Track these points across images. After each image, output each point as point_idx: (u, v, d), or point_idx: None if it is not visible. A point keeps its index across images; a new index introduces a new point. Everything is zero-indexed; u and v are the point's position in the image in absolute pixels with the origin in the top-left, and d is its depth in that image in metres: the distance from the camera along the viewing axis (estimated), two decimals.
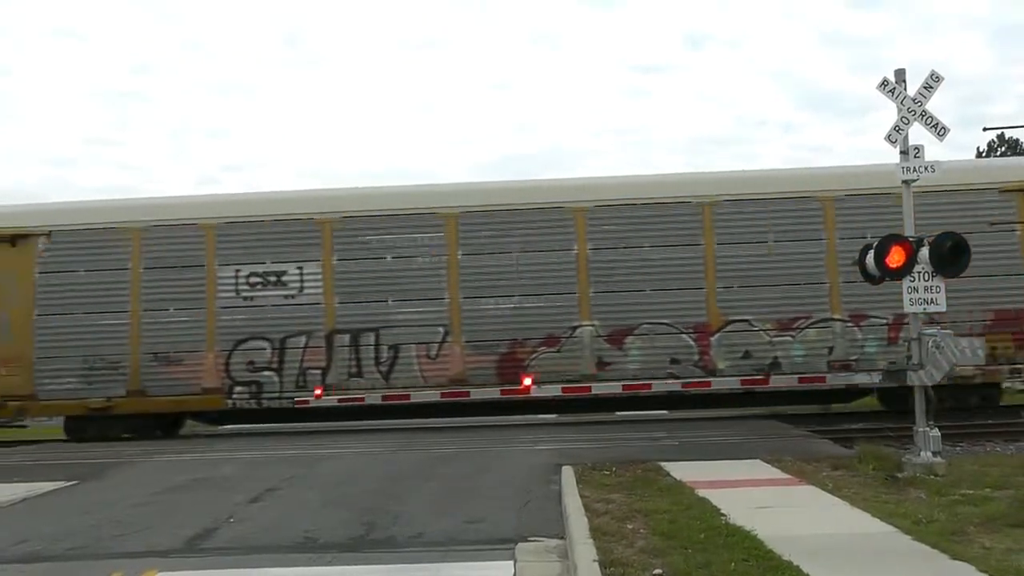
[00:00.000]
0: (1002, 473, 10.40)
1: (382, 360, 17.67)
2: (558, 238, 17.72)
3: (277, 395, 17.73)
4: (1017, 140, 43.48)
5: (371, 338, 17.69)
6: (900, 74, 11.35)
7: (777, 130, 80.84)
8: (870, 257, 11.43)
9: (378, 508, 9.75)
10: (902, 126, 11.28)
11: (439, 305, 17.69)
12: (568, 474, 10.90)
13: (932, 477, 10.19)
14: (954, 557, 6.58)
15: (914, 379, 10.96)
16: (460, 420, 18.83)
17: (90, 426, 18.07)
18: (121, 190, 75.77)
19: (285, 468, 12.93)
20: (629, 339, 17.44)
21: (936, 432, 10.77)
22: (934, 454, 10.68)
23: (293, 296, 17.90)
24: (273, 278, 17.93)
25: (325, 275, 17.85)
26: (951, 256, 10.96)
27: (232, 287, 17.99)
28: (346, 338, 17.74)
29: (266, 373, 17.82)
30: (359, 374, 17.66)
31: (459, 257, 17.75)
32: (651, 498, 9.34)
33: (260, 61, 78.82)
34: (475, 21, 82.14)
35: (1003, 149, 43.41)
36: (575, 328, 17.52)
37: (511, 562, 7.36)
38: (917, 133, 11.35)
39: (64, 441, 18.57)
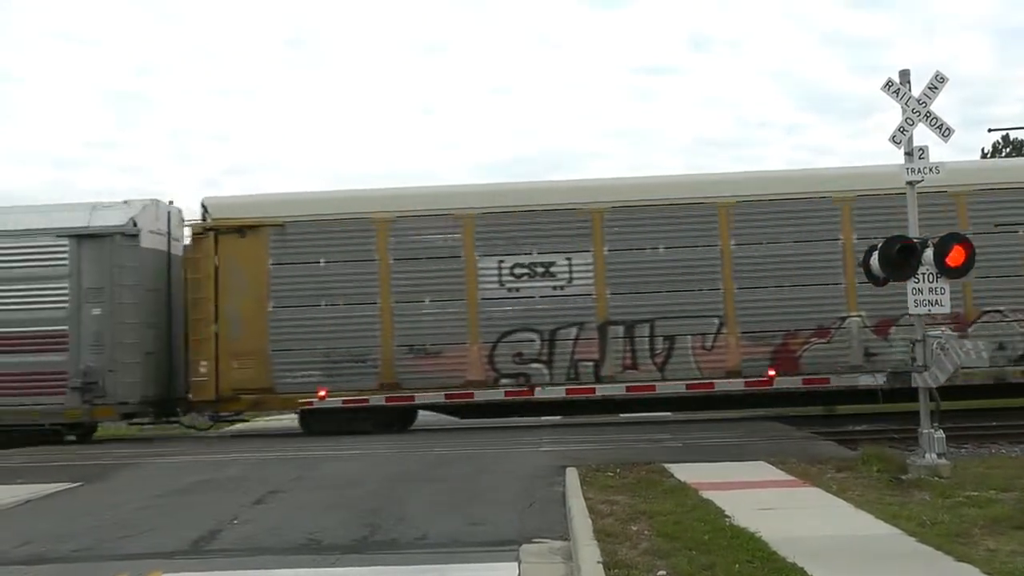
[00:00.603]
0: (1007, 475, 10.37)
1: (657, 352, 17.41)
2: (826, 228, 17.52)
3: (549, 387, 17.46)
4: (1022, 141, 43.38)
5: (645, 329, 17.40)
6: (905, 75, 11.32)
7: (779, 131, 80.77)
8: (874, 259, 11.40)
9: (382, 510, 9.76)
10: (907, 127, 11.25)
11: (714, 295, 17.39)
12: (572, 476, 10.89)
13: (936, 479, 10.16)
14: (959, 559, 6.56)
15: (918, 381, 10.94)
16: (462, 421, 18.82)
17: (331, 420, 17.63)
18: (123, 191, 75.79)
19: (289, 470, 12.94)
20: (893, 329, 17.18)
21: (940, 434, 10.74)
22: (938, 456, 10.65)
23: (562, 287, 17.58)
24: (540, 269, 17.59)
25: (596, 266, 17.53)
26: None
27: (495, 278, 17.64)
28: (620, 329, 17.47)
29: (535, 365, 17.54)
30: (634, 366, 17.44)
31: (731, 247, 17.47)
32: (655, 500, 9.34)
33: (263, 63, 78.90)
34: (477, 23, 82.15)
35: (1008, 150, 43.30)
36: (843, 319, 17.33)
37: (515, 563, 7.35)
38: (921, 134, 11.35)
39: (65, 443, 18.59)
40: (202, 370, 17.65)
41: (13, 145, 73.84)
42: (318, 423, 17.76)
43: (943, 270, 10.82)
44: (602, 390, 17.38)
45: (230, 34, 79.09)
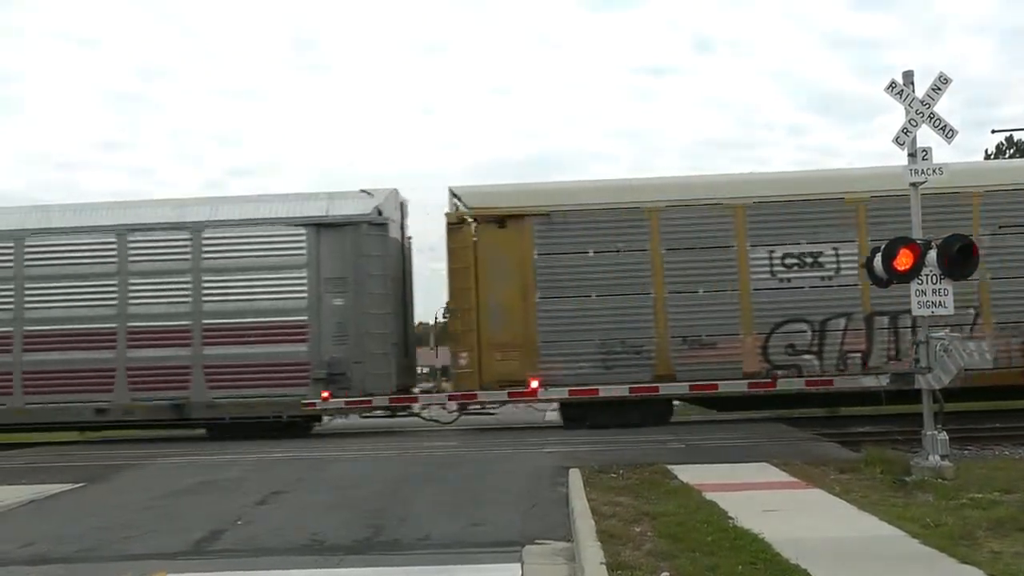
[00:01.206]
0: (1010, 477, 10.36)
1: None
2: None
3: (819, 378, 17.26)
4: None
5: (908, 320, 16.71)
6: (908, 76, 11.32)
7: (783, 133, 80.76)
8: (878, 259, 11.39)
9: (385, 510, 9.76)
10: (910, 128, 11.24)
11: (971, 286, 16.75)
12: (575, 477, 10.89)
13: (940, 481, 10.15)
14: (962, 561, 6.55)
15: (922, 382, 10.92)
16: (466, 422, 18.82)
17: (600, 414, 17.38)
18: (126, 193, 76.05)
19: (292, 471, 12.95)
20: None
21: (944, 436, 10.73)
22: (942, 458, 10.63)
23: (830, 277, 17.46)
24: (809, 259, 17.47)
25: (861, 256, 17.00)
26: (959, 259, 10.91)
27: (766, 268, 17.50)
28: (884, 320, 17.36)
29: (806, 356, 17.42)
30: (897, 357, 17.12)
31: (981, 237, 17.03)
32: (658, 501, 9.33)
33: (265, 66, 79.09)
34: (478, 24, 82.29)
35: (1011, 151, 43.26)
36: None
37: (518, 564, 7.34)
38: (924, 136, 11.35)
39: (68, 443, 18.63)
40: (463, 362, 17.51)
41: (16, 146, 74.06)
42: (590, 415, 17.45)
43: (946, 271, 10.81)
44: (867, 382, 17.11)
45: (234, 37, 79.25)
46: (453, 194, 18.07)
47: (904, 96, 11.24)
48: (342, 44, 79.70)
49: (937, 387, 10.82)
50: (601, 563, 6.56)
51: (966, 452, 13.74)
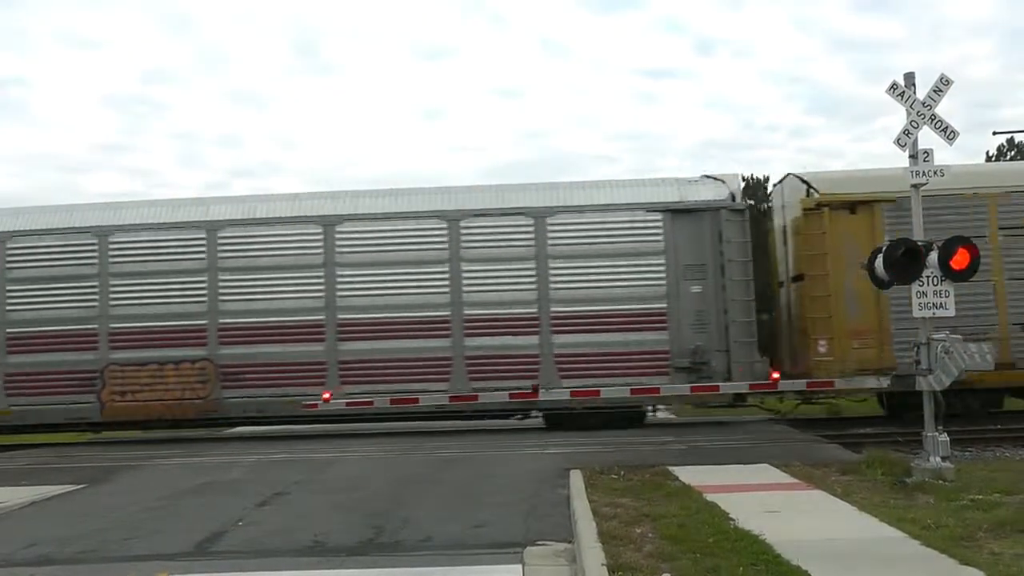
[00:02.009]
0: (1011, 478, 10.37)
1: None
2: None
3: None
4: None
5: None
6: (910, 78, 11.32)
7: (785, 135, 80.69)
8: (879, 262, 11.39)
9: (386, 512, 9.76)
10: (911, 130, 11.24)
11: None
12: (576, 478, 10.90)
13: (941, 482, 10.16)
14: (963, 562, 6.56)
15: (923, 384, 10.92)
16: (466, 423, 18.82)
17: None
18: (129, 195, 75.87)
19: (293, 472, 12.95)
20: None
21: (945, 437, 10.73)
22: (943, 459, 10.64)
23: None
24: None
25: None
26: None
27: None
28: None
29: None
30: None
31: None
32: (659, 502, 9.34)
33: (271, 68, 79.01)
34: (484, 29, 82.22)
35: (1013, 153, 43.22)
36: None
37: (519, 566, 7.36)
38: (926, 137, 11.35)
39: (72, 444, 18.64)
40: (822, 349, 17.15)
41: (19, 148, 74.05)
42: (905, 406, 16.82)
43: (947, 273, 10.81)
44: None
45: (239, 40, 79.21)
46: (802, 180, 17.95)
47: (905, 98, 11.25)
48: (347, 48, 79.79)
49: (938, 389, 10.82)
50: (602, 564, 6.57)
51: (967, 454, 13.76)
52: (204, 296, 17.90)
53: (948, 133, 11.16)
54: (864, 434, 15.84)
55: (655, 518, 8.48)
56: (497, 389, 17.22)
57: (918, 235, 11.29)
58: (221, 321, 17.82)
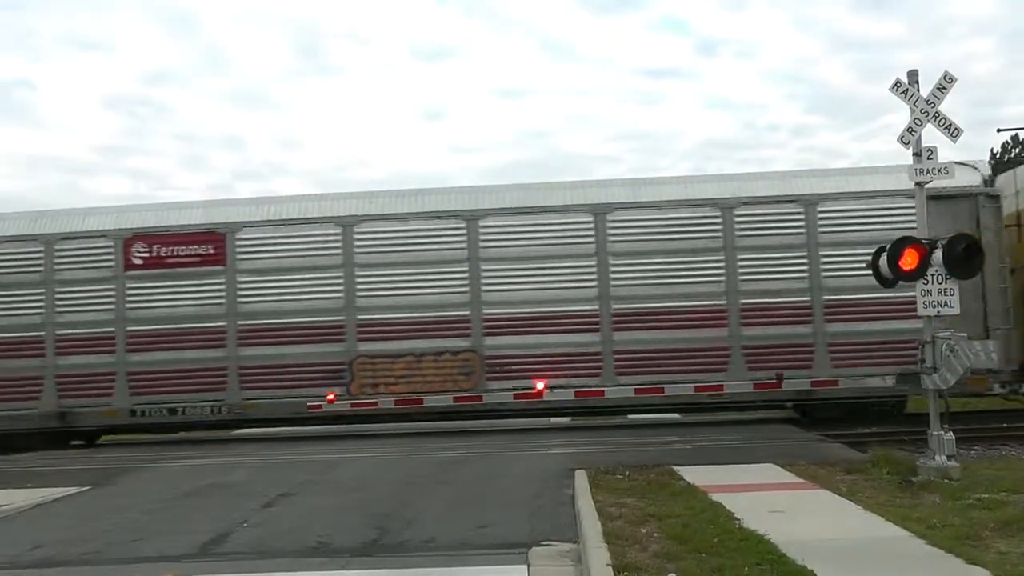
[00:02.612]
0: (1017, 477, 10.34)
1: None
2: None
3: None
4: None
5: None
6: (913, 75, 11.30)
7: (786, 134, 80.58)
8: (883, 260, 11.37)
9: (391, 513, 9.76)
10: (915, 128, 11.22)
11: None
12: (581, 478, 10.89)
13: (946, 481, 10.14)
14: (969, 561, 6.54)
15: (927, 383, 10.90)
16: (471, 424, 18.82)
17: None
18: (132, 197, 75.91)
19: (298, 473, 12.95)
20: None
21: (950, 436, 10.71)
22: (948, 458, 10.61)
23: None
24: None
25: None
26: (964, 258, 10.90)
27: None
28: None
29: None
30: None
31: None
32: (664, 502, 9.33)
33: (273, 69, 79.04)
34: (484, 29, 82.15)
35: (1017, 150, 43.16)
36: None
37: (525, 566, 7.35)
38: (929, 135, 11.33)
39: (75, 447, 18.64)
40: None
41: (21, 149, 74.14)
42: None
43: (952, 271, 10.79)
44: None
45: (238, 40, 79.23)
46: None
47: (909, 95, 11.23)
48: (348, 49, 79.78)
49: (943, 387, 10.80)
50: (607, 564, 6.56)
51: (973, 452, 13.71)
52: (466, 286, 17.64)
53: (952, 131, 11.14)
54: (869, 433, 15.79)
55: (660, 518, 8.47)
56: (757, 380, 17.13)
57: (922, 233, 11.26)
58: (485, 312, 17.56)
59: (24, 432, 17.99)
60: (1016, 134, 42.42)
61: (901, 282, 11.35)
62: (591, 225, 17.57)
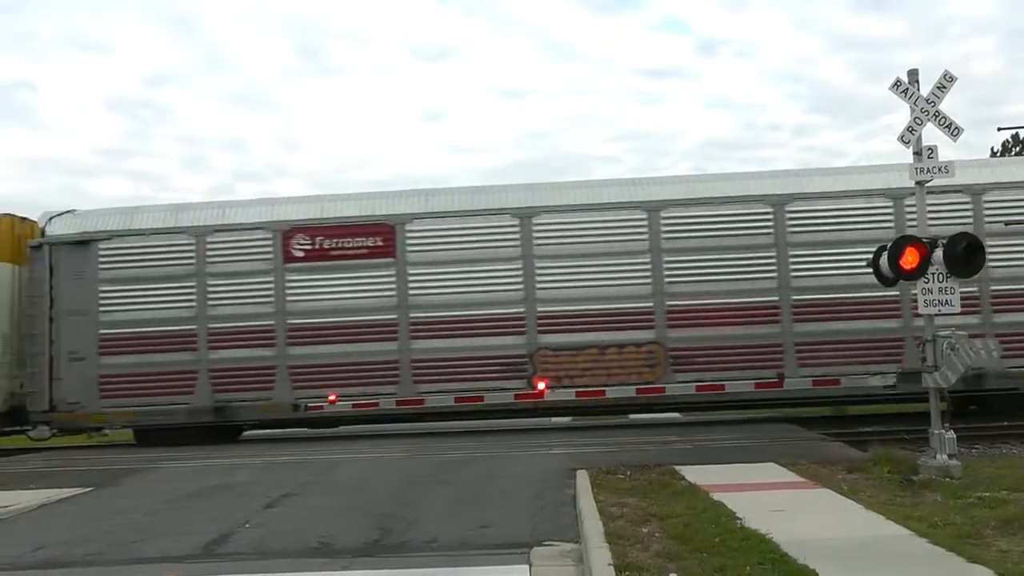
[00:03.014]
0: (1018, 476, 10.33)
1: None
2: None
3: None
4: None
5: None
6: (913, 75, 11.30)
7: (787, 134, 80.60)
8: (884, 259, 11.38)
9: (393, 513, 9.77)
10: (915, 127, 11.23)
11: None
12: (582, 478, 10.89)
13: (948, 480, 10.15)
14: (971, 560, 6.55)
15: (929, 381, 10.91)
16: (473, 424, 18.83)
17: None
18: (133, 199, 75.97)
19: (300, 474, 12.97)
20: None
21: (951, 434, 10.71)
22: (949, 457, 10.62)
23: None
24: None
25: None
26: (965, 257, 10.90)
27: None
28: None
29: None
30: None
31: None
32: (666, 502, 9.34)
33: (274, 71, 79.08)
34: (484, 30, 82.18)
35: (1017, 149, 43.15)
36: None
37: (526, 566, 7.36)
38: (930, 134, 11.34)
39: (78, 448, 18.66)
40: None
41: (24, 152, 74.22)
42: None
43: (953, 270, 10.80)
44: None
45: (240, 41, 79.25)
46: None
47: (909, 94, 11.23)
48: (349, 50, 79.97)
49: (944, 386, 10.81)
50: (609, 564, 6.57)
51: (974, 451, 13.70)
52: (649, 278, 17.45)
53: (952, 130, 11.14)
54: (870, 432, 15.80)
55: (662, 517, 8.48)
56: None
57: (922, 232, 11.27)
58: (668, 304, 17.39)
59: (176, 427, 17.80)
60: (1016, 132, 42.44)
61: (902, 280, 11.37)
62: (770, 216, 17.42)
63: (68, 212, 18.81)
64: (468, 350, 17.45)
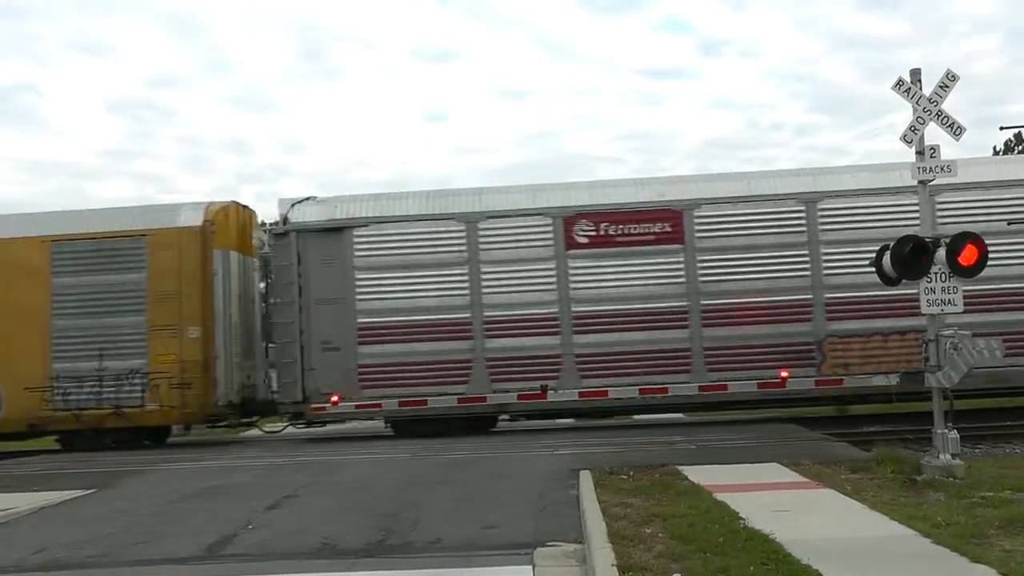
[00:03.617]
0: (1021, 475, 10.32)
1: None
2: None
3: None
4: None
5: None
6: (915, 74, 11.29)
7: (789, 133, 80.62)
8: (887, 259, 11.37)
9: (396, 514, 9.76)
10: (918, 126, 11.22)
11: None
12: (586, 478, 10.88)
13: (951, 479, 10.14)
14: (974, 560, 6.53)
15: (931, 381, 10.90)
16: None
17: None
18: (135, 200, 76.05)
19: (302, 475, 12.96)
20: None
21: (955, 434, 10.70)
22: (953, 456, 10.61)
23: None
24: None
25: None
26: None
27: None
28: None
29: None
30: None
31: None
32: (669, 502, 9.33)
33: (276, 73, 79.17)
34: (486, 31, 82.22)
35: (1020, 148, 43.12)
36: None
37: (530, 567, 7.35)
38: (932, 133, 11.32)
39: (79, 450, 18.67)
40: None
41: (27, 154, 74.31)
42: None
43: (955, 269, 10.79)
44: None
45: (242, 43, 79.32)
46: None
47: (911, 94, 11.22)
48: (351, 52, 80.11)
49: (947, 385, 10.79)
50: (612, 564, 6.56)
51: (977, 450, 13.70)
52: None
53: (955, 129, 11.14)
54: (873, 432, 15.79)
55: (665, 518, 8.47)
56: None
57: (926, 231, 11.26)
58: None
59: (436, 417, 17.48)
60: (1019, 131, 42.40)
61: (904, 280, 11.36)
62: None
63: (309, 199, 18.32)
64: (756, 338, 17.20)
